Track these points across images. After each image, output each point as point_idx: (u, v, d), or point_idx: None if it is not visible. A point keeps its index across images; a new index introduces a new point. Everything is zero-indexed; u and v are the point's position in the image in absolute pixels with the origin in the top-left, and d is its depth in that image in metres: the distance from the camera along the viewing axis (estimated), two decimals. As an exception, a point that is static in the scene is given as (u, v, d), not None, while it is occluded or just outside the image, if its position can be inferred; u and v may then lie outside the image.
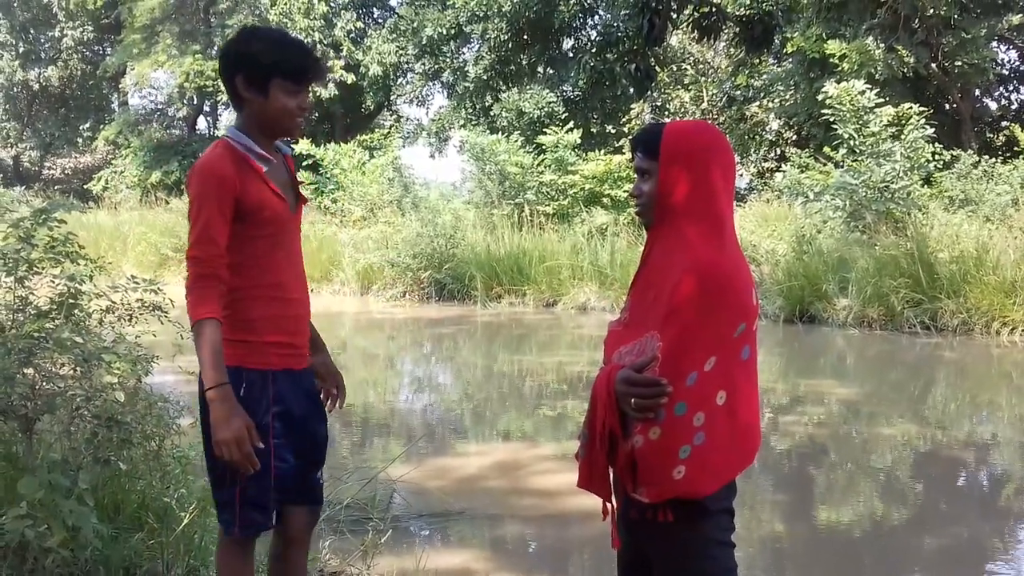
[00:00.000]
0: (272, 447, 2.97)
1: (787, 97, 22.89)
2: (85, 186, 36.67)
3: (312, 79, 3.04)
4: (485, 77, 26.63)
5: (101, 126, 38.84)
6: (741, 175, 25.03)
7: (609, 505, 2.56)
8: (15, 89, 40.54)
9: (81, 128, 41.00)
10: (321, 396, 3.25)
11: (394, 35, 30.17)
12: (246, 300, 2.97)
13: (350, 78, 29.99)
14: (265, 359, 2.98)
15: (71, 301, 4.40)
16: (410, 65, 30.47)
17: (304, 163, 25.08)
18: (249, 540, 3.10)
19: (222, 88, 3.23)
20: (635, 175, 2.57)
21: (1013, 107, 24.83)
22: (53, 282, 4.49)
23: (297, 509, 3.16)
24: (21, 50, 39.93)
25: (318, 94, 29.81)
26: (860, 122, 15.85)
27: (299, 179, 3.31)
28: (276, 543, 3.24)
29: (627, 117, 24.50)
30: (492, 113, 25.78)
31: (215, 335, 2.81)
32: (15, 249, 4.30)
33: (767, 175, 22.65)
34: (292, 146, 3.36)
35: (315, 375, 3.24)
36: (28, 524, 3.36)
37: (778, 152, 23.76)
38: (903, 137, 15.81)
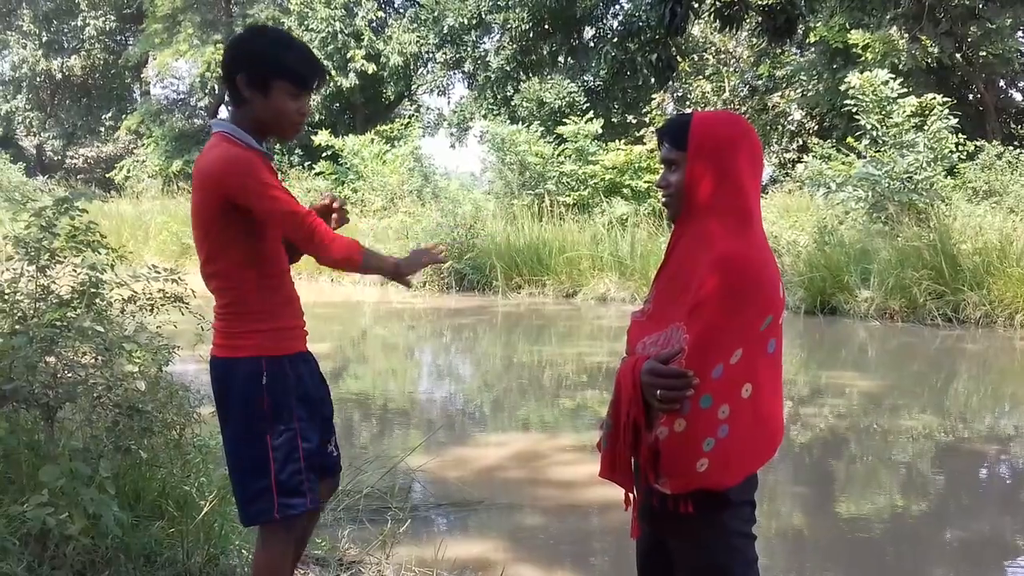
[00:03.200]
0: (298, 430, 3.04)
1: (810, 87, 22.74)
2: (107, 175, 36.86)
3: (313, 88, 3.08)
4: (506, 67, 26.57)
5: (123, 115, 39.02)
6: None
7: (631, 495, 2.56)
8: (38, 79, 40.76)
9: (103, 117, 41.17)
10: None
11: (415, 25, 30.13)
12: (262, 290, 3.04)
13: (371, 68, 29.97)
14: (282, 344, 3.06)
15: (93, 290, 4.42)
16: (431, 55, 30.42)
17: (324, 153, 25.14)
18: (290, 531, 3.12)
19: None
20: (662, 166, 2.54)
21: (1038, 98, 24.62)
22: (75, 271, 4.51)
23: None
24: (44, 39, 40.12)
25: (339, 84, 29.84)
26: (883, 112, 15.75)
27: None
28: None
29: (648, 107, 24.38)
30: (513, 103, 25.73)
31: (369, 252, 3.12)
32: (37, 238, 4.32)
33: (789, 166, 22.53)
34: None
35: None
36: (49, 512, 3.38)
37: (800, 143, 23.62)
38: (926, 128, 15.70)
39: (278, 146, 29.33)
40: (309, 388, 3.11)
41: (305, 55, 3.04)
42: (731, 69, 26.07)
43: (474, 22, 27.44)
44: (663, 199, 2.55)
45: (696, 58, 26.01)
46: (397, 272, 3.16)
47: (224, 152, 2.95)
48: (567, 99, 24.52)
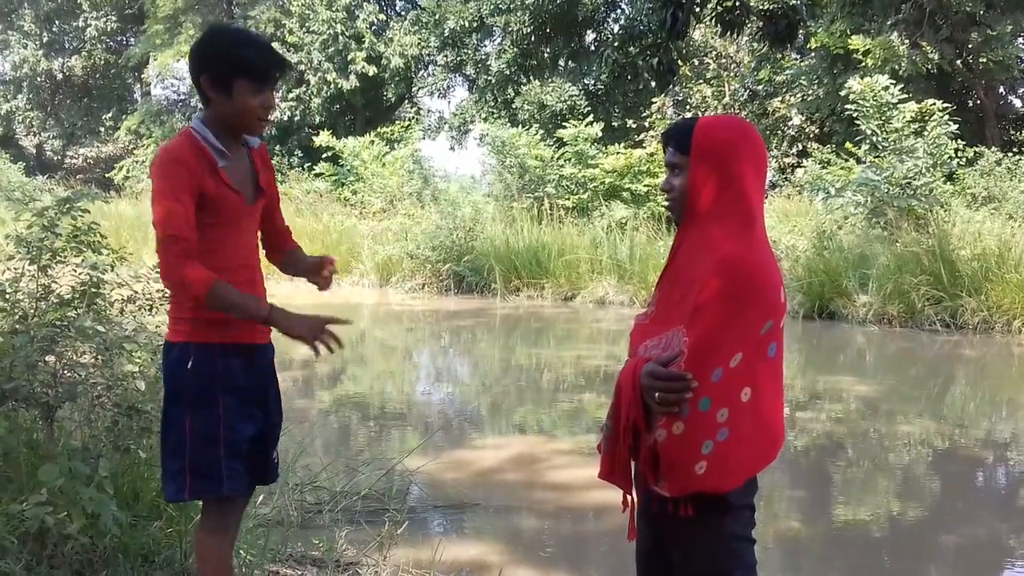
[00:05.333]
0: (221, 418, 3.05)
1: (810, 92, 22.77)
2: (106, 175, 36.83)
3: (275, 80, 3.13)
4: (507, 70, 26.59)
5: (123, 116, 38.98)
6: (763, 170, 24.86)
7: (630, 497, 2.56)
8: (39, 78, 40.73)
9: (103, 118, 41.11)
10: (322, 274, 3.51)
11: (416, 27, 30.16)
12: None
13: (371, 70, 29.98)
14: (209, 334, 3.06)
15: (93, 290, 4.43)
16: (432, 57, 30.44)
17: (324, 155, 25.14)
18: (223, 512, 3.15)
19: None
20: (666, 169, 2.56)
21: (1037, 104, 24.63)
22: (76, 271, 4.53)
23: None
24: (45, 40, 40.13)
25: (339, 85, 29.85)
26: (883, 118, 15.78)
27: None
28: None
29: (648, 111, 24.41)
30: (514, 106, 25.75)
31: (227, 287, 2.97)
32: (39, 238, 4.33)
33: (788, 170, 22.55)
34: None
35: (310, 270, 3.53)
36: (48, 511, 3.39)
37: (800, 147, 23.65)
38: (926, 133, 15.73)
39: (278, 147, 29.36)
40: (240, 380, 3.11)
41: (263, 50, 3.11)
42: (732, 74, 26.10)
43: (475, 25, 27.46)
44: (667, 203, 2.57)
45: (697, 62, 26.05)
46: (268, 318, 3.03)
47: (167, 145, 3.11)
48: (567, 102, 24.54)
